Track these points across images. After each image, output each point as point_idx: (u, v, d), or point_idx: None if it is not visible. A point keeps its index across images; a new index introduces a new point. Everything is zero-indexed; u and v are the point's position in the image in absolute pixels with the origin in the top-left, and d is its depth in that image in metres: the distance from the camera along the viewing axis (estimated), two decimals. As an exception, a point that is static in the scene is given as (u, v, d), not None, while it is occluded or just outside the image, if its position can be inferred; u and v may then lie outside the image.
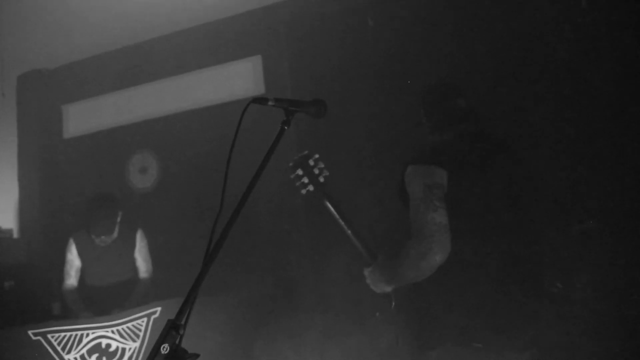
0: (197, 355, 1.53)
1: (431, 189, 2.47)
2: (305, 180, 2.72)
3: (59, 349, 3.53)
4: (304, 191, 2.73)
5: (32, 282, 5.24)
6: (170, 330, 1.49)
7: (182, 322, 1.53)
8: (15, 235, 6.10)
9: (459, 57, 4.04)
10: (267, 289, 4.30)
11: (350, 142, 4.37)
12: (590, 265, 3.49)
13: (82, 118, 5.97)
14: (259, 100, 1.83)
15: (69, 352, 3.54)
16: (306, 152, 2.77)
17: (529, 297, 2.51)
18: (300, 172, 2.73)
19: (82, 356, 3.56)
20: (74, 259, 4.46)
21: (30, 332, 3.54)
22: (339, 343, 3.70)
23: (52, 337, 3.54)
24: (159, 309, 3.71)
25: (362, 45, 4.51)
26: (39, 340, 3.52)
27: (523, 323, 2.45)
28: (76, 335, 3.57)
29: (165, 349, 1.47)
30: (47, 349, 3.53)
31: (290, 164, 2.75)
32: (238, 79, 5.18)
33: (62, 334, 3.56)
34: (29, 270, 5.50)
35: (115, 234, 4.36)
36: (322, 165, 2.75)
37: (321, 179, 2.73)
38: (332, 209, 2.73)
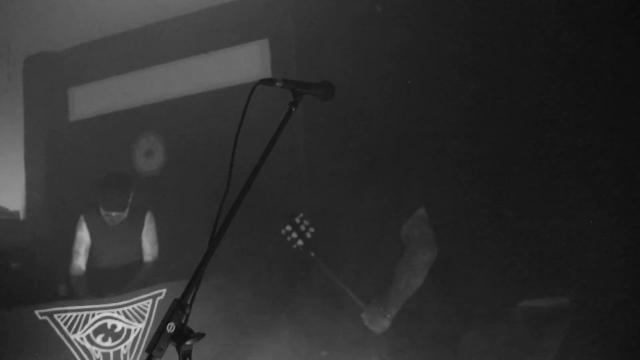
0: (203, 335, 1.54)
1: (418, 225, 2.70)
2: (295, 235, 3.01)
3: (65, 328, 3.56)
4: (295, 246, 3.02)
5: (39, 263, 5.27)
6: (176, 309, 1.51)
7: (188, 302, 1.54)
8: (22, 217, 6.14)
9: (466, 44, 4.01)
10: (271, 269, 4.31)
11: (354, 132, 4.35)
12: (597, 252, 3.48)
13: (89, 101, 5.98)
14: (267, 81, 1.83)
15: (75, 332, 3.57)
16: (290, 212, 3.06)
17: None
18: (289, 228, 3.02)
19: (88, 336, 3.59)
20: (84, 235, 4.48)
21: (37, 312, 3.57)
22: (341, 327, 3.71)
23: (59, 317, 3.57)
24: (164, 290, 3.74)
25: (370, 30, 4.48)
26: (45, 320, 3.56)
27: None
28: (82, 315, 3.60)
29: (171, 327, 1.49)
30: (53, 329, 3.56)
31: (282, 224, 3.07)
32: (245, 63, 5.16)
33: (69, 314, 3.59)
34: (35, 251, 5.54)
35: (125, 214, 4.38)
36: (307, 222, 3.04)
37: (308, 235, 3.02)
38: (320, 262, 3.00)
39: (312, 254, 3.00)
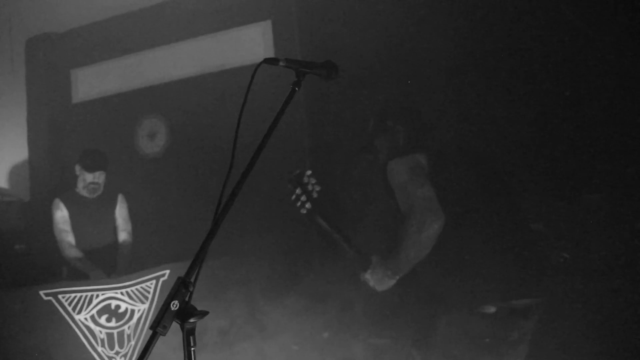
0: (206, 313, 1.55)
1: (414, 170, 2.62)
2: (304, 198, 2.83)
3: (69, 309, 3.59)
4: (303, 210, 2.84)
5: (43, 245, 5.29)
6: (180, 287, 1.51)
7: (192, 280, 1.54)
8: (26, 199, 6.14)
9: (467, 33, 3.98)
10: (273, 248, 4.31)
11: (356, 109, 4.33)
12: (598, 236, 3.48)
13: (91, 83, 5.96)
14: (270, 60, 1.82)
15: (79, 312, 3.60)
16: (298, 170, 2.88)
17: (532, 267, 2.58)
18: (299, 191, 2.84)
19: (92, 317, 3.62)
20: (64, 214, 4.57)
21: (41, 293, 3.59)
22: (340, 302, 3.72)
23: (63, 297, 3.59)
24: (167, 271, 3.76)
25: (374, 12, 4.44)
26: (50, 300, 3.58)
27: (527, 289, 2.52)
28: (86, 296, 3.62)
29: (175, 305, 1.49)
30: (58, 309, 3.58)
31: (289, 186, 2.87)
32: (247, 44, 5.13)
33: (73, 295, 3.61)
34: (39, 233, 5.55)
35: (102, 185, 4.54)
36: (314, 180, 2.87)
37: (314, 195, 2.84)
38: (324, 223, 2.85)
39: (319, 217, 2.87)
